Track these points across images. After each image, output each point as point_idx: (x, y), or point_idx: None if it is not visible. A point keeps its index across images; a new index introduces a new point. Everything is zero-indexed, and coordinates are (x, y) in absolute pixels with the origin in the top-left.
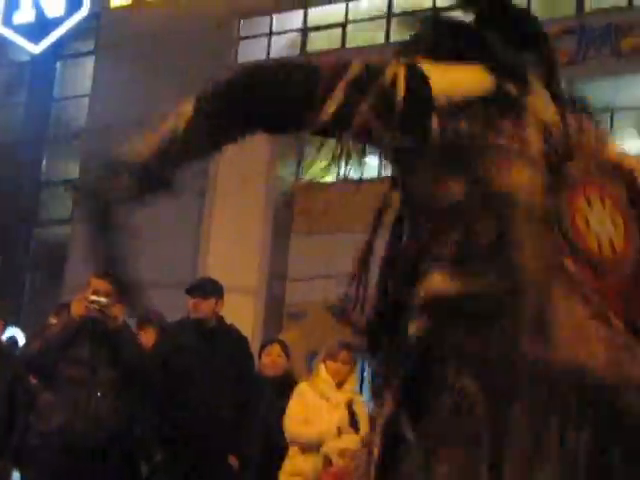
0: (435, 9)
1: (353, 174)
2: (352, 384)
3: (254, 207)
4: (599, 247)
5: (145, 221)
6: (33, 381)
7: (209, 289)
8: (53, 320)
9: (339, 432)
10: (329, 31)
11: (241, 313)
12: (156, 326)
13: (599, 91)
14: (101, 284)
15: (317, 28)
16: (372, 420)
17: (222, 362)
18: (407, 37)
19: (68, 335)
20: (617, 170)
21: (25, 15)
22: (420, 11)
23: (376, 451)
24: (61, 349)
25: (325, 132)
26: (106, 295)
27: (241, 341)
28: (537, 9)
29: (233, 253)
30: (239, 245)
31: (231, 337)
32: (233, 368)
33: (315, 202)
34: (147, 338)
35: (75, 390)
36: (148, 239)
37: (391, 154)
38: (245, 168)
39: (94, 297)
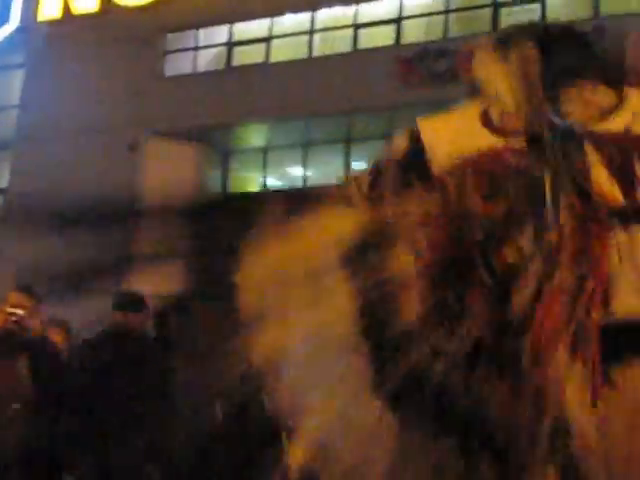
0: (356, 25)
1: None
2: None
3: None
4: None
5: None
6: None
7: (138, 304)
8: None
9: None
10: (253, 46)
11: None
12: (64, 329)
13: None
14: (19, 297)
15: (242, 43)
16: None
17: (146, 375)
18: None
19: None
20: None
21: None
22: (342, 27)
23: None
24: None
25: None
26: (23, 308)
27: (166, 353)
28: (454, 25)
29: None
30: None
31: (156, 350)
32: (158, 382)
33: None
34: (56, 340)
35: None
36: (78, 250)
37: None
38: (172, 180)
39: (11, 309)
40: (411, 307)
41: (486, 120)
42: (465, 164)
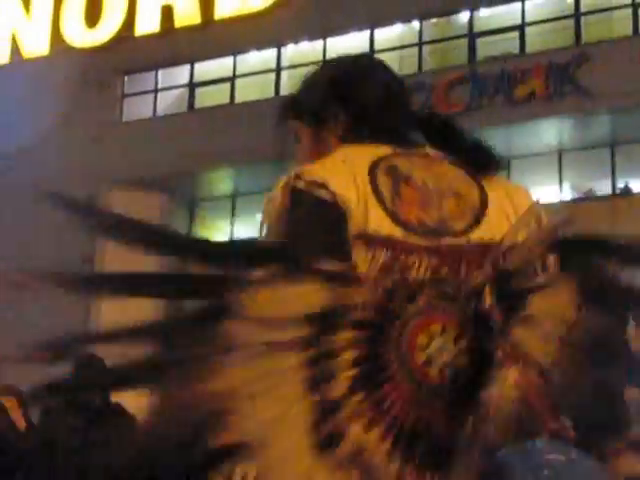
0: (325, 61)
1: (246, 232)
2: None
3: (150, 258)
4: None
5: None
6: None
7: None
8: None
9: None
10: (217, 86)
11: None
12: (17, 397)
13: (493, 140)
14: None
15: (204, 83)
16: None
17: (108, 444)
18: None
19: None
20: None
21: None
22: (310, 64)
23: None
24: None
25: None
26: None
27: (127, 420)
28: (428, 58)
29: (129, 311)
30: (134, 302)
31: (117, 416)
32: (121, 451)
33: None
34: (10, 409)
35: None
36: (41, 303)
37: None
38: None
39: None
40: None
41: None
42: None
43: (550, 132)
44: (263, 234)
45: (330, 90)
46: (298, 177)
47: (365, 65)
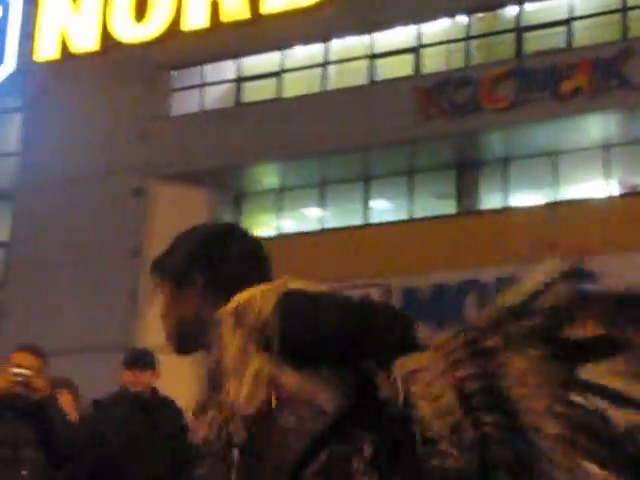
0: (371, 56)
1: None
2: None
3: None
4: None
5: (78, 283)
6: None
7: (148, 361)
8: None
9: None
10: (264, 81)
11: (180, 376)
12: (71, 390)
13: (540, 135)
14: (24, 357)
15: (251, 78)
16: None
17: (157, 436)
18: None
19: None
20: None
21: None
22: (357, 58)
23: None
24: None
25: None
26: (29, 368)
27: (176, 413)
28: (475, 53)
29: None
30: None
31: (166, 410)
32: (168, 442)
33: None
34: (64, 401)
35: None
36: (82, 302)
37: None
38: (182, 225)
39: (17, 370)
40: None
41: None
42: None
43: (596, 127)
44: None
45: (189, 258)
46: None
47: (224, 234)
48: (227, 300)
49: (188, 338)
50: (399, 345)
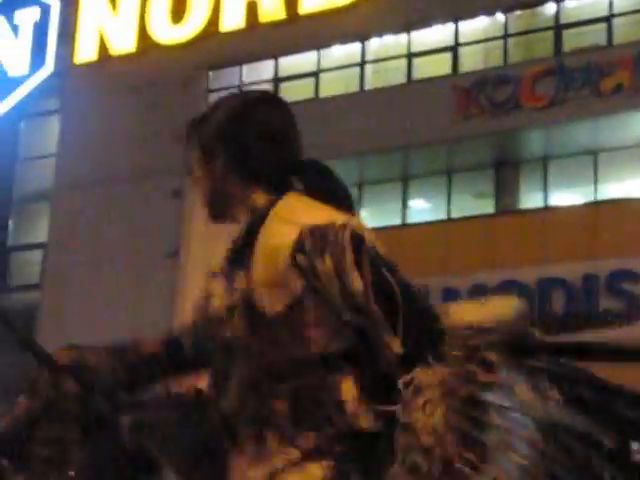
0: (409, 55)
1: None
2: None
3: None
4: None
5: (115, 284)
6: (4, 462)
7: None
8: (22, 399)
9: None
10: (301, 81)
11: None
12: None
13: (579, 133)
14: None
15: (288, 78)
16: None
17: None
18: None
19: (36, 413)
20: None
21: None
22: (395, 57)
23: None
24: (29, 428)
25: None
26: None
27: None
28: (514, 51)
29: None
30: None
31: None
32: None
33: None
34: None
35: (45, 470)
36: (120, 302)
37: None
38: (219, 227)
39: None
40: None
41: None
42: None
43: (637, 124)
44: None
45: (215, 132)
46: None
47: (253, 107)
48: (252, 180)
49: (217, 207)
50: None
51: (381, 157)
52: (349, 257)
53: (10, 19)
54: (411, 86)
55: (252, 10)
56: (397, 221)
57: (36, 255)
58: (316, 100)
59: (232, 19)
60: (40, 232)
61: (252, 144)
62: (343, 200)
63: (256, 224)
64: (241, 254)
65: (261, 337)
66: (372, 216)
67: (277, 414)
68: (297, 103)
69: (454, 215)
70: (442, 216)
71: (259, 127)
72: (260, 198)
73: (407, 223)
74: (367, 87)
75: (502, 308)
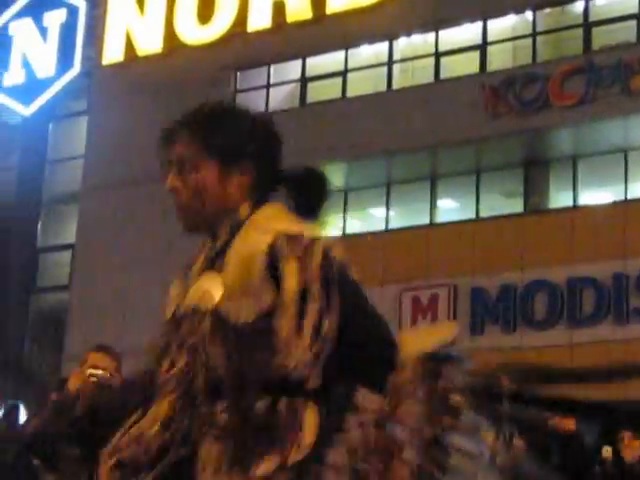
0: (437, 54)
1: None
2: None
3: None
4: None
5: (145, 284)
6: (36, 462)
7: None
8: (54, 396)
9: None
10: (329, 80)
11: None
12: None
13: (609, 131)
14: (100, 358)
15: (316, 78)
16: None
17: None
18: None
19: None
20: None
21: (15, 77)
22: (423, 56)
23: None
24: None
25: None
26: (105, 369)
27: None
28: (543, 49)
29: None
30: None
31: None
32: None
33: None
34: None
35: (76, 469)
36: (150, 302)
37: None
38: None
39: (93, 371)
40: None
41: None
42: None
43: None
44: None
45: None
46: None
47: (240, 115)
48: (243, 193)
49: (200, 219)
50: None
51: (409, 156)
52: (315, 269)
53: (38, 21)
54: (439, 85)
55: (279, 10)
56: (425, 221)
57: (65, 256)
58: (344, 100)
59: (259, 19)
60: (69, 233)
61: (248, 157)
62: (311, 211)
63: (233, 233)
64: (214, 262)
65: (227, 346)
66: (400, 216)
67: (229, 433)
68: (324, 103)
69: (483, 215)
70: (471, 215)
71: (252, 140)
72: (245, 210)
73: (435, 223)
74: (395, 86)
75: (444, 334)
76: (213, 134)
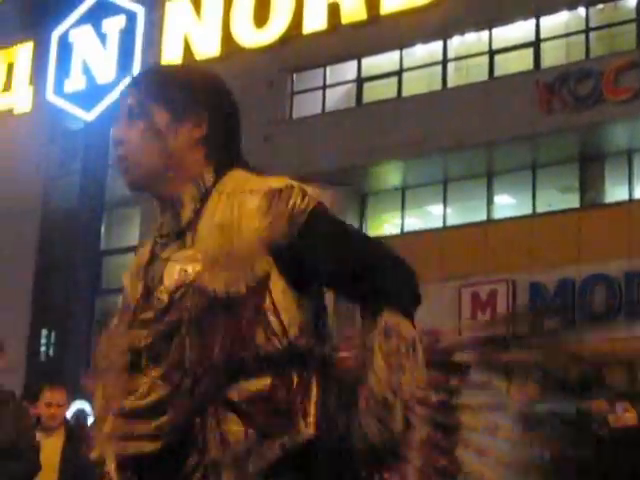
0: (491, 52)
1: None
2: None
3: None
4: None
5: None
6: None
7: None
8: (32, 411)
9: None
10: (384, 80)
11: None
12: None
13: None
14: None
15: (372, 78)
16: None
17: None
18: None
19: None
20: None
21: (76, 83)
22: (477, 55)
23: None
24: None
25: None
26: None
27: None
28: (597, 44)
29: None
30: None
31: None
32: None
33: None
34: None
35: None
36: None
37: None
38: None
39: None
40: None
41: None
42: None
43: None
44: None
45: (201, 84)
46: None
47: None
48: (212, 157)
49: (156, 176)
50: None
51: (465, 154)
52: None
53: (98, 28)
54: (493, 83)
55: (334, 12)
56: (483, 217)
57: (128, 259)
58: (399, 99)
59: (314, 21)
60: (132, 236)
61: (226, 121)
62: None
63: (202, 202)
64: (182, 236)
65: (213, 322)
66: (458, 213)
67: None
68: (380, 102)
69: (539, 210)
70: (527, 211)
71: (231, 105)
72: (209, 175)
73: (493, 219)
74: (449, 85)
75: None
76: (165, 85)
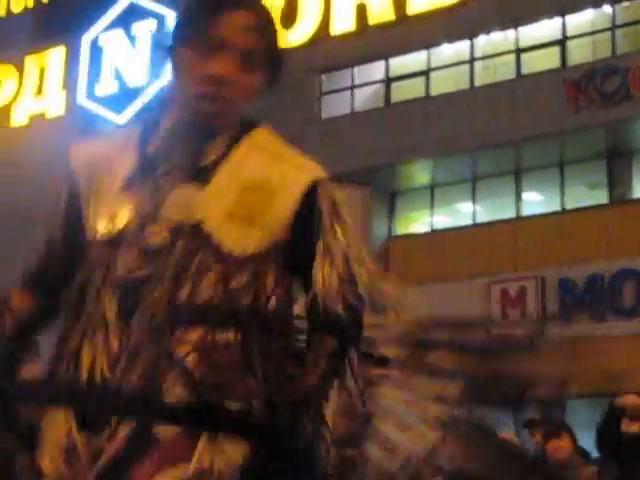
0: (518, 50)
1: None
2: None
3: None
4: None
5: None
6: None
7: None
8: None
9: None
10: (412, 80)
11: None
12: None
13: None
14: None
15: (399, 78)
16: None
17: None
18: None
19: None
20: None
21: (107, 87)
22: (504, 53)
23: None
24: None
25: None
26: None
27: None
28: (623, 41)
29: None
30: None
31: None
32: None
33: (409, 254)
34: None
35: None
36: None
37: None
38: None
39: None
40: None
41: None
42: None
43: None
44: None
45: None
46: None
47: None
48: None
49: (221, 115)
50: None
51: (493, 152)
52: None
53: (128, 31)
54: (520, 81)
55: (362, 13)
56: (511, 214)
57: None
58: (427, 98)
59: (342, 22)
60: None
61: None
62: None
63: (230, 148)
64: (200, 175)
65: (216, 278)
66: (486, 210)
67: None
68: (408, 102)
69: (568, 206)
70: (556, 208)
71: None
72: (238, 124)
73: (521, 216)
74: (477, 84)
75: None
76: (278, 47)
